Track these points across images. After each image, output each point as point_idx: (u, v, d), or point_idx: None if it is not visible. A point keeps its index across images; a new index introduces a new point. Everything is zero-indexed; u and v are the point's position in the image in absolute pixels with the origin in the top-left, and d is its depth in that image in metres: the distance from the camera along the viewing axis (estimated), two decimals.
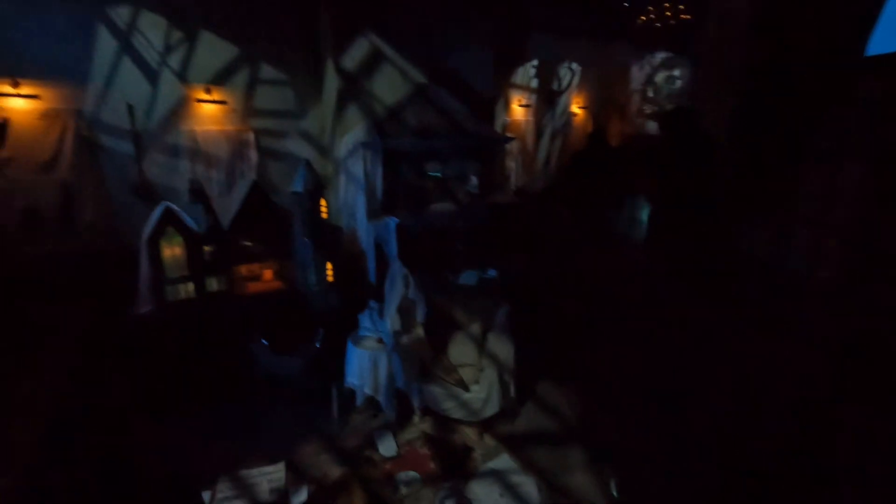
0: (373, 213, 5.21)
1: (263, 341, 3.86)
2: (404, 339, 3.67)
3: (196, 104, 4.70)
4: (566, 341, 4.86)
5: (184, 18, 4.52)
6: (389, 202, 5.38)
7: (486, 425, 3.75)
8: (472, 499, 3.05)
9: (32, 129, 4.01)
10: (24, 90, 3.93)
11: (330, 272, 4.51)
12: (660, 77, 7.94)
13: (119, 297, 4.04)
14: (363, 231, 5.15)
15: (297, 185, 4.31)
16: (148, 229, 3.87)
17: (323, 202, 4.46)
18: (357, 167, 5.08)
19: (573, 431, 3.73)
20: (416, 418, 3.87)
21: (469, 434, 3.72)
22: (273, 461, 3.29)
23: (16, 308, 3.66)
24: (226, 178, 4.96)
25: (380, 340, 3.71)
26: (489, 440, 3.66)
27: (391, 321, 3.62)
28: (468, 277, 5.22)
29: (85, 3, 4.08)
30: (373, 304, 3.79)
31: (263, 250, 4.52)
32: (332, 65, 5.08)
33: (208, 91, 4.74)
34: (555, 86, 7.82)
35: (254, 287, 4.49)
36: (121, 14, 4.25)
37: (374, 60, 5.30)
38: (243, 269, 4.66)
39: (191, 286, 3.99)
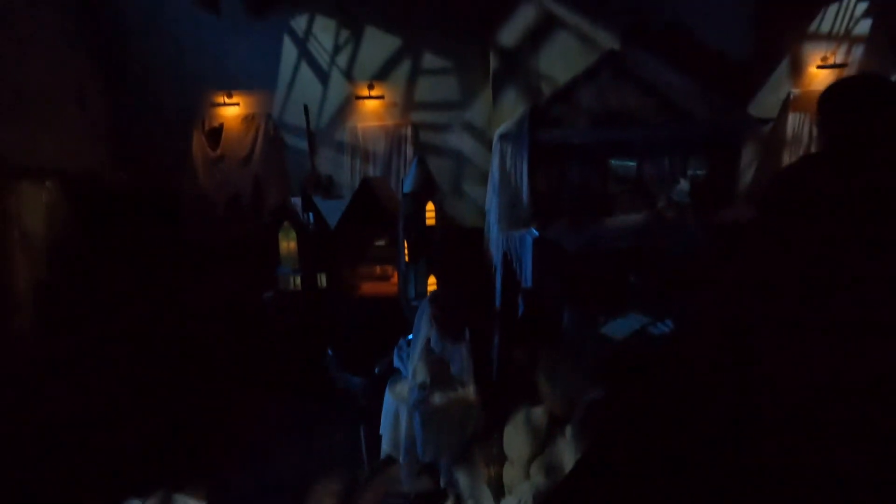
0: (514, 222, 4.20)
1: (330, 351, 3.61)
2: (436, 399, 2.76)
3: (357, 101, 4.78)
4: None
5: (351, 16, 4.61)
6: (544, 208, 4.23)
7: None
8: None
9: (236, 132, 4.87)
10: (232, 100, 4.80)
11: (433, 286, 3.87)
12: None
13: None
14: (493, 243, 4.24)
15: (407, 186, 3.82)
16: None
17: (430, 206, 3.83)
18: (494, 164, 4.18)
19: None
20: (448, 503, 2.91)
21: None
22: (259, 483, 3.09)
23: (195, 276, 4.59)
24: (382, 174, 4.91)
25: None
26: None
27: (415, 371, 2.76)
28: (621, 325, 3.61)
29: (274, 20, 4.64)
30: (402, 342, 2.99)
31: (376, 253, 4.28)
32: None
33: (370, 87, 4.73)
34: None
35: (370, 289, 4.32)
36: (299, 23, 4.65)
37: (542, 29, 4.20)
38: (377, 270, 4.56)
39: (297, 279, 4.10)
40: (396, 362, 2.98)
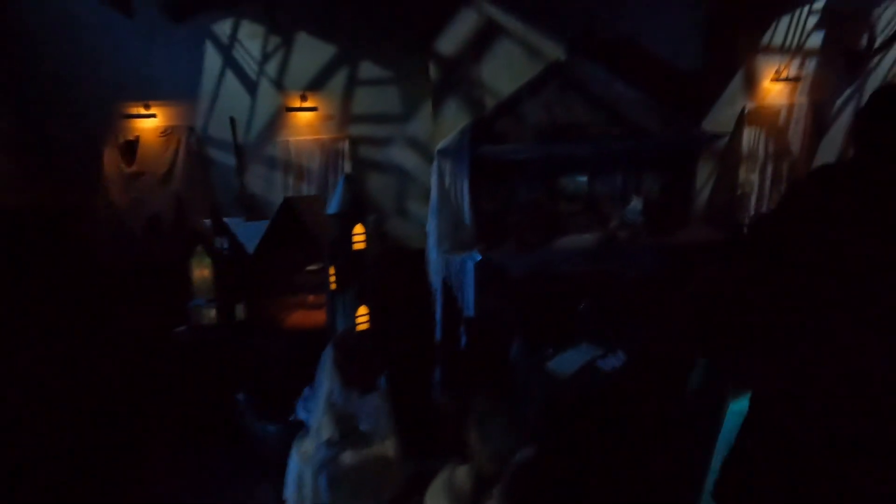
0: (455, 245, 3.86)
1: (240, 396, 3.16)
2: (346, 458, 2.34)
3: (289, 113, 4.38)
4: None
5: (280, 22, 4.24)
6: (488, 230, 3.90)
7: None
8: None
9: (154, 146, 4.41)
10: (149, 111, 4.34)
11: (363, 318, 3.46)
12: None
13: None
14: (433, 268, 3.88)
15: (332, 206, 3.44)
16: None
17: (359, 228, 3.44)
18: (434, 182, 3.84)
19: None
20: None
21: None
22: None
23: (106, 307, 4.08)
24: (318, 191, 4.51)
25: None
26: None
27: (319, 426, 2.35)
28: (570, 359, 3.27)
29: (195, 24, 4.22)
30: (306, 390, 2.58)
31: (309, 280, 3.86)
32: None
33: (303, 98, 4.35)
34: (863, 41, 4.45)
35: (301, 319, 3.89)
36: (223, 28, 4.26)
37: (485, 37, 3.91)
38: (310, 298, 4.13)
39: (213, 312, 3.64)
40: (301, 414, 2.56)
